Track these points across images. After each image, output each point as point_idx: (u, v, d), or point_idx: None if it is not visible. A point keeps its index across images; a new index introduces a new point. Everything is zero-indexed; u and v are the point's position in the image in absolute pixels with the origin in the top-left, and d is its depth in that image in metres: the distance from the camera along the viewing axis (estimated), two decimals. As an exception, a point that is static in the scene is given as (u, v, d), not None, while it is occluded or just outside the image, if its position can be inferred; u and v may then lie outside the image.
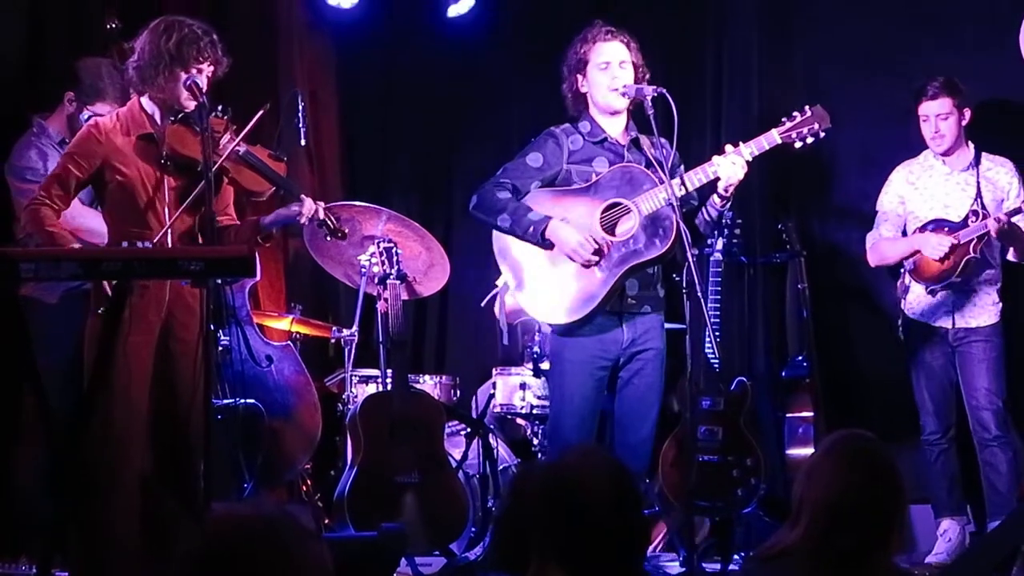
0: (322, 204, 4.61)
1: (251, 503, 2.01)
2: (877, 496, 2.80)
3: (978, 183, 5.84)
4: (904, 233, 5.96)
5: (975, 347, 5.81)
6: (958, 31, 6.34)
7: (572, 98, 5.02)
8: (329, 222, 4.62)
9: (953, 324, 5.82)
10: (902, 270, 5.95)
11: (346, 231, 4.75)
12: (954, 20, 6.35)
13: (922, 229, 5.84)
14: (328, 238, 4.78)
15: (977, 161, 5.89)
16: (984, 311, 5.83)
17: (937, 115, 5.83)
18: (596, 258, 4.79)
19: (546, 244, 4.83)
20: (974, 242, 5.68)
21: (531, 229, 4.82)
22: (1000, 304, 5.85)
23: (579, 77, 4.97)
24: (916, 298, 5.90)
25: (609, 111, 4.95)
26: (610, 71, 4.90)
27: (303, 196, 4.59)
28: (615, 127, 4.98)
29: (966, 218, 5.73)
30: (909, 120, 6.02)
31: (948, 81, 5.82)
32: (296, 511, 1.98)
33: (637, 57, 4.96)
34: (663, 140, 4.83)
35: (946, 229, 5.74)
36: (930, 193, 5.90)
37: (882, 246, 5.98)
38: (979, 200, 5.79)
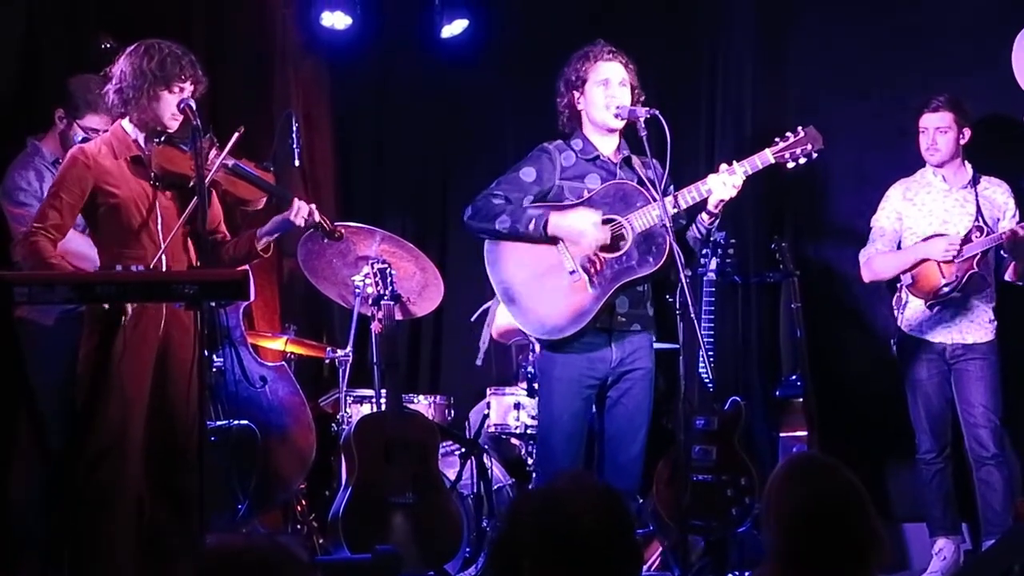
0: (314, 206, 4.66)
1: (245, 536, 2.02)
2: (838, 503, 2.80)
3: (977, 201, 5.86)
4: (899, 250, 5.98)
5: (972, 364, 5.82)
6: (951, 51, 6.36)
7: (567, 114, 5.04)
8: (324, 224, 4.71)
9: (951, 340, 5.84)
10: (899, 284, 5.95)
11: (342, 232, 4.84)
12: (947, 40, 6.37)
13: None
14: (325, 240, 4.91)
15: (976, 181, 5.91)
16: (981, 328, 5.85)
17: (937, 128, 5.86)
18: (607, 241, 4.78)
19: (548, 238, 4.81)
20: (977, 256, 5.71)
21: (532, 224, 4.79)
22: (995, 322, 5.87)
23: (576, 93, 4.98)
24: (913, 313, 5.90)
25: (605, 129, 4.95)
26: (609, 89, 4.92)
27: (293, 199, 4.66)
28: (608, 146, 4.98)
29: (969, 233, 5.75)
30: (903, 140, 6.04)
31: (952, 98, 5.86)
32: (289, 541, 1.98)
33: (634, 79, 4.98)
34: (655, 161, 4.83)
35: None
36: (928, 209, 5.92)
37: (879, 260, 5.98)
38: (980, 216, 5.81)
